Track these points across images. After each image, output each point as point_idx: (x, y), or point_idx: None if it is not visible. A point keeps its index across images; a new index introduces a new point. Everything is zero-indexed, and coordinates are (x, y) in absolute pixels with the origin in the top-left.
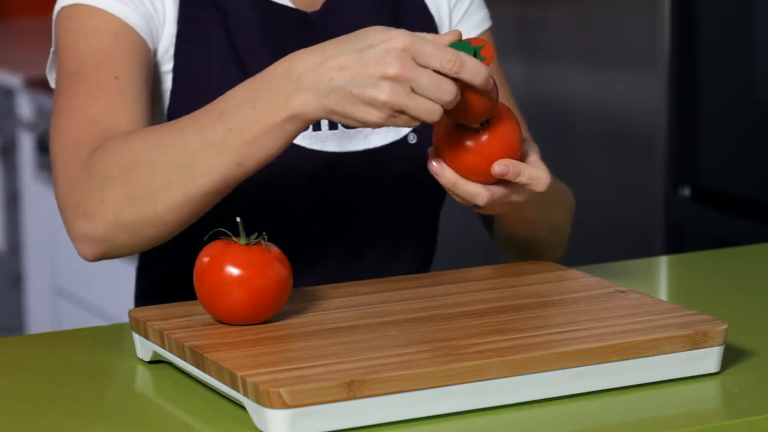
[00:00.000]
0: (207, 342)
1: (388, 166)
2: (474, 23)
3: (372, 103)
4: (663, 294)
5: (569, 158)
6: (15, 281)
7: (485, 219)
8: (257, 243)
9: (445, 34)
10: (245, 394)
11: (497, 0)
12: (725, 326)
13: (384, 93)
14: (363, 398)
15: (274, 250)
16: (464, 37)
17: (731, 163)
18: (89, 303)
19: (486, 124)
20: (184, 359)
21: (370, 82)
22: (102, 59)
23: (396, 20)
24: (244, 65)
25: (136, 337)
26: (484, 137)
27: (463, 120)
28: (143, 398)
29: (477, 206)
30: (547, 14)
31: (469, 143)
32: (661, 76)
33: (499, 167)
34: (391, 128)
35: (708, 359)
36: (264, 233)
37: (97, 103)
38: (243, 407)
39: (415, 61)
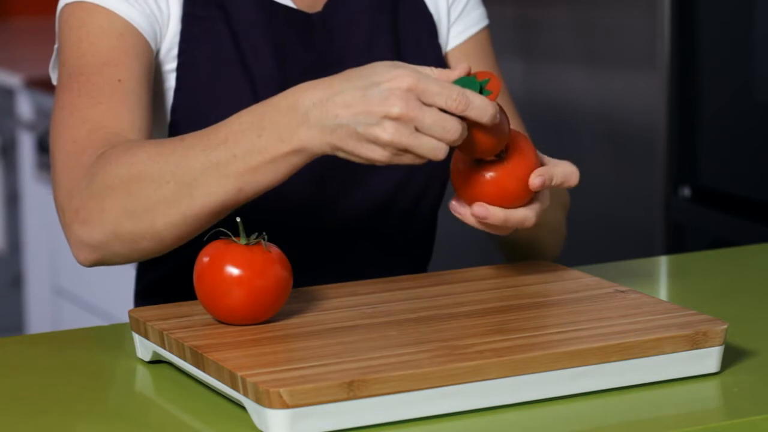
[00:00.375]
0: (207, 342)
1: (385, 167)
2: (471, 21)
3: (376, 142)
4: (663, 294)
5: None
6: (15, 281)
7: None
8: (257, 243)
9: (453, 68)
10: (245, 394)
11: (497, 0)
12: (725, 326)
13: (388, 133)
14: (363, 398)
15: (274, 250)
16: (462, 37)
17: (731, 163)
18: (89, 303)
19: (504, 151)
20: (184, 359)
21: (374, 121)
22: (105, 60)
23: (395, 20)
24: (247, 64)
25: (136, 337)
26: (507, 163)
27: (479, 155)
28: (143, 398)
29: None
30: (547, 14)
31: (493, 173)
32: (661, 76)
33: (537, 179)
34: None
35: (708, 359)
36: (264, 233)
37: (100, 106)
38: (243, 407)
39: (420, 99)
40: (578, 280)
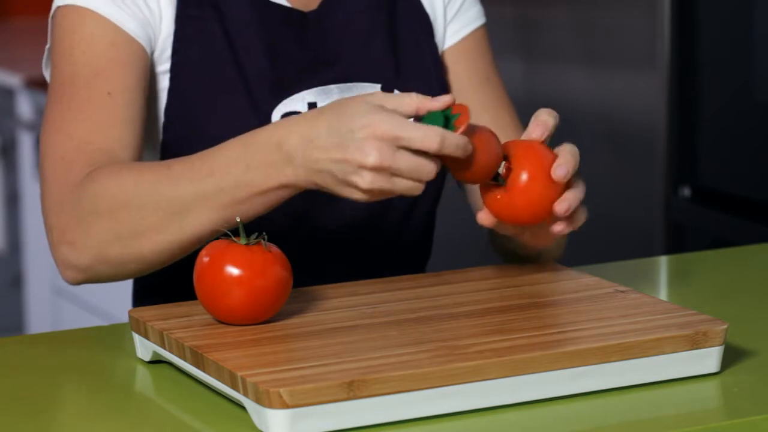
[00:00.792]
0: (207, 342)
1: None
2: (467, 20)
3: (355, 187)
4: (663, 294)
5: None
6: (15, 281)
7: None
8: (257, 243)
9: (437, 99)
10: (245, 394)
11: (497, 0)
12: (725, 326)
13: (365, 181)
14: (363, 398)
15: (274, 250)
16: (459, 36)
17: (731, 163)
18: (89, 303)
19: (504, 174)
20: (184, 359)
21: (351, 170)
22: (96, 71)
23: (392, 19)
24: (241, 63)
25: (136, 337)
26: (509, 187)
27: (472, 182)
28: (143, 398)
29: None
30: (547, 14)
31: (500, 197)
32: (661, 76)
33: (561, 206)
34: None
35: (708, 359)
36: (264, 233)
37: (87, 122)
38: (243, 407)
39: (395, 144)
40: (578, 280)
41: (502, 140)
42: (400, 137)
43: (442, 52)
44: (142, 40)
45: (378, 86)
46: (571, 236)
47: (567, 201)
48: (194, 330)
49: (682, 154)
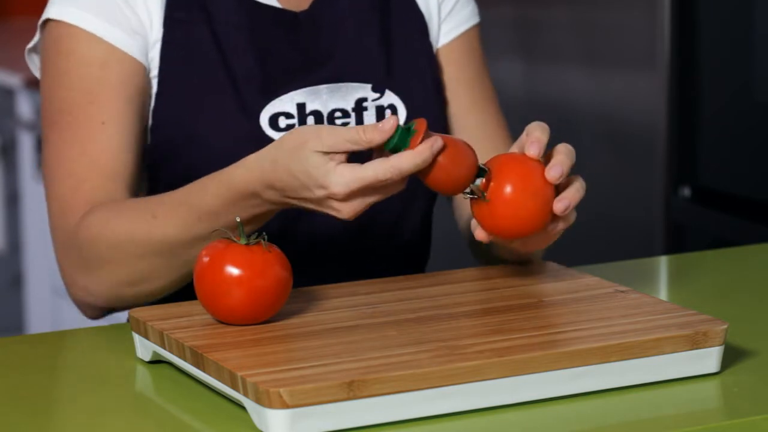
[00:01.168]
0: (207, 342)
1: None
2: (461, 19)
3: (336, 212)
4: (663, 294)
5: None
6: (15, 281)
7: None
8: (257, 243)
9: (384, 122)
10: (245, 394)
11: (497, 0)
12: (725, 326)
13: (343, 213)
14: (363, 398)
15: (274, 250)
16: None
17: (731, 163)
18: None
19: (488, 178)
20: (184, 359)
21: (327, 204)
22: (90, 98)
23: (385, 18)
24: (230, 65)
25: (136, 337)
26: (491, 201)
27: (448, 193)
28: (143, 398)
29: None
30: (547, 14)
31: (485, 211)
32: (661, 76)
33: (560, 205)
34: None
35: (708, 359)
36: (264, 233)
37: (84, 157)
38: (243, 407)
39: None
40: (578, 280)
41: (488, 141)
42: (365, 188)
43: (437, 50)
44: (136, 53)
45: (368, 86)
46: (571, 236)
47: (566, 200)
48: (194, 330)
49: (682, 154)
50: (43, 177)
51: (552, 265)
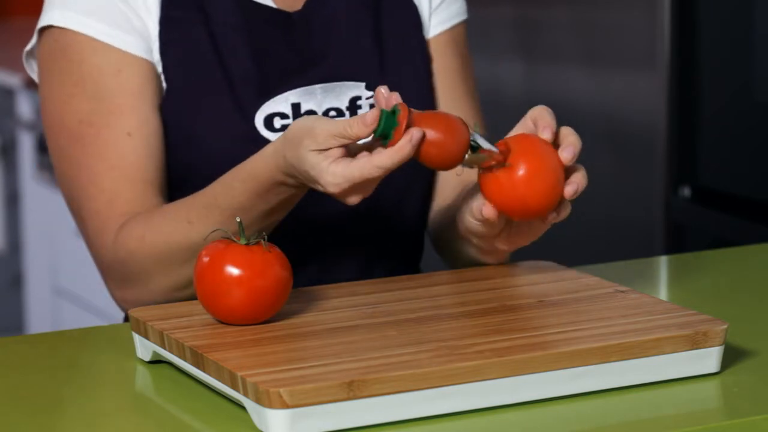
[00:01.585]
0: (207, 342)
1: None
2: (450, 14)
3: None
4: (663, 294)
5: None
6: (15, 281)
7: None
8: (257, 243)
9: (365, 114)
10: (245, 394)
11: (497, 0)
12: (725, 326)
13: (350, 204)
14: (363, 398)
15: (274, 250)
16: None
17: (731, 163)
18: (89, 303)
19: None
20: (184, 359)
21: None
22: (111, 108)
23: (378, 16)
24: (226, 66)
25: (136, 337)
26: (519, 173)
27: (449, 164)
28: (143, 398)
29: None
30: (547, 14)
31: (489, 187)
32: (661, 76)
33: (570, 189)
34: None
35: (708, 359)
36: (264, 233)
37: (114, 171)
38: (243, 407)
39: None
40: (578, 280)
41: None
42: (348, 187)
43: (427, 41)
44: (145, 53)
45: (362, 84)
46: (571, 236)
47: (575, 184)
48: (194, 330)
49: (682, 154)
50: (67, 192)
51: (552, 265)
